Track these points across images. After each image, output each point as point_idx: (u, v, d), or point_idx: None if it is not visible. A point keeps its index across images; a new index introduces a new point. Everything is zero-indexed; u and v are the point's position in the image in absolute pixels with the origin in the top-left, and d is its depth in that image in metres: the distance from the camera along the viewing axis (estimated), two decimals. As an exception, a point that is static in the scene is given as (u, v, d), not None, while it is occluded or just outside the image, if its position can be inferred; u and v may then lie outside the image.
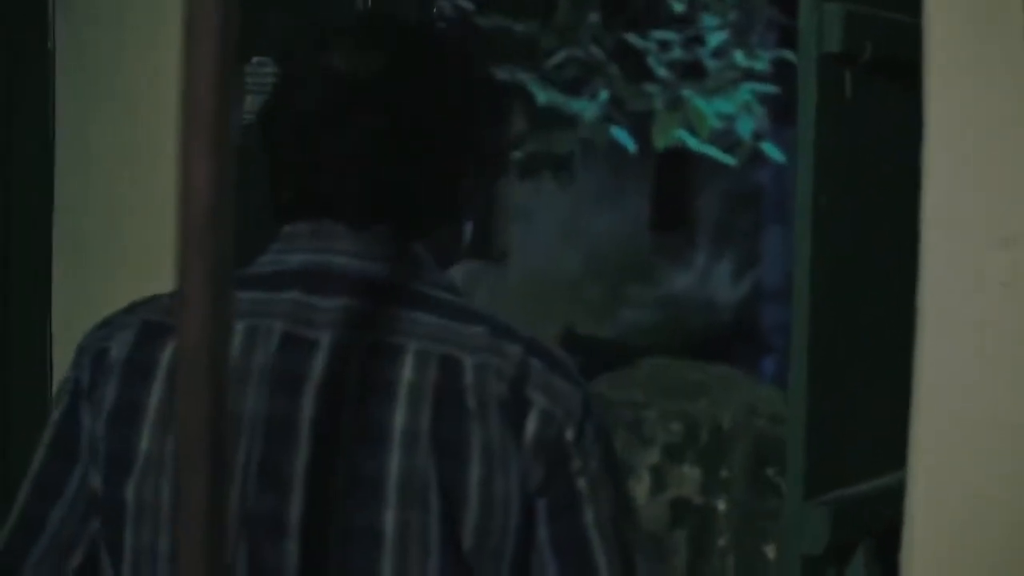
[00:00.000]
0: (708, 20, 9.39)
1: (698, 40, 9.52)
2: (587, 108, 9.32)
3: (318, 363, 1.51)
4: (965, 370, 2.08)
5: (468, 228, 1.69)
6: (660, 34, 9.47)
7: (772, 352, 13.13)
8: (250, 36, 2.77)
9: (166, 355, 1.54)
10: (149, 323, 1.57)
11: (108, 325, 1.60)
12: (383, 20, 1.63)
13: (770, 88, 9.54)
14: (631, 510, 1.60)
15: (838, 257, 2.18)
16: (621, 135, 9.41)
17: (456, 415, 1.49)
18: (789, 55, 9.27)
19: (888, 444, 2.20)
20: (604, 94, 9.34)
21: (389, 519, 1.48)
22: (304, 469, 1.49)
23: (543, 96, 9.07)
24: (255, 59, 2.73)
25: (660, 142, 9.47)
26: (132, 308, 1.61)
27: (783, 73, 9.33)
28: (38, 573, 1.57)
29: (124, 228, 2.72)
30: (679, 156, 11.43)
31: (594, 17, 9.22)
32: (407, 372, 1.49)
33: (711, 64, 9.46)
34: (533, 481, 1.52)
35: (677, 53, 9.47)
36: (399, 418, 1.49)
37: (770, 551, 5.56)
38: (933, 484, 2.13)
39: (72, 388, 1.59)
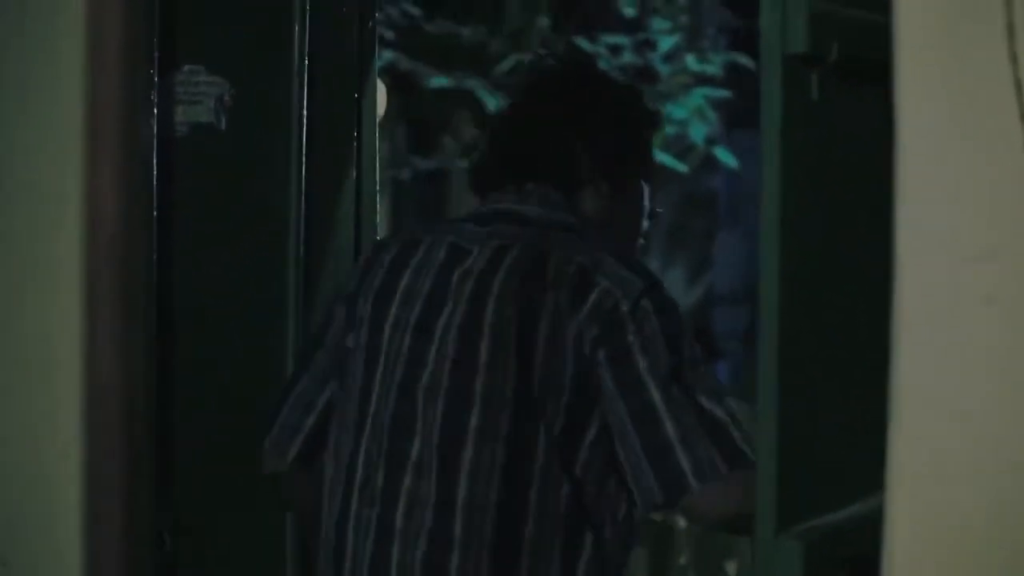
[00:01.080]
0: (659, 23, 9.29)
1: (649, 44, 9.41)
2: (538, 114, 9.12)
3: (467, 259, 2.21)
4: (945, 390, 1.95)
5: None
6: (610, 38, 9.38)
7: (724, 357, 13.03)
8: (182, 42, 2.63)
9: (377, 263, 2.27)
10: (406, 238, 2.31)
11: (375, 244, 2.46)
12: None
13: (723, 93, 9.44)
14: (700, 372, 2.18)
15: (807, 269, 2.05)
16: (572, 141, 9.22)
17: (537, 286, 2.15)
18: (741, 59, 9.20)
19: (864, 467, 2.07)
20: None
21: (483, 353, 2.16)
22: (442, 323, 2.18)
23: (493, 102, 8.94)
24: (186, 67, 2.59)
25: (612, 147, 9.31)
26: (393, 234, 2.41)
27: (735, 77, 9.24)
28: (287, 420, 2.33)
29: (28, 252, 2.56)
30: (631, 161, 11.25)
31: (543, 21, 9.11)
32: (511, 258, 2.18)
33: (662, 68, 9.36)
34: (588, 338, 2.13)
35: (628, 57, 9.37)
36: (497, 286, 2.16)
37: (731, 568, 5.46)
38: (914, 511, 1.99)
39: (333, 295, 2.42)
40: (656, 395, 2.14)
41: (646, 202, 2.45)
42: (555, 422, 2.15)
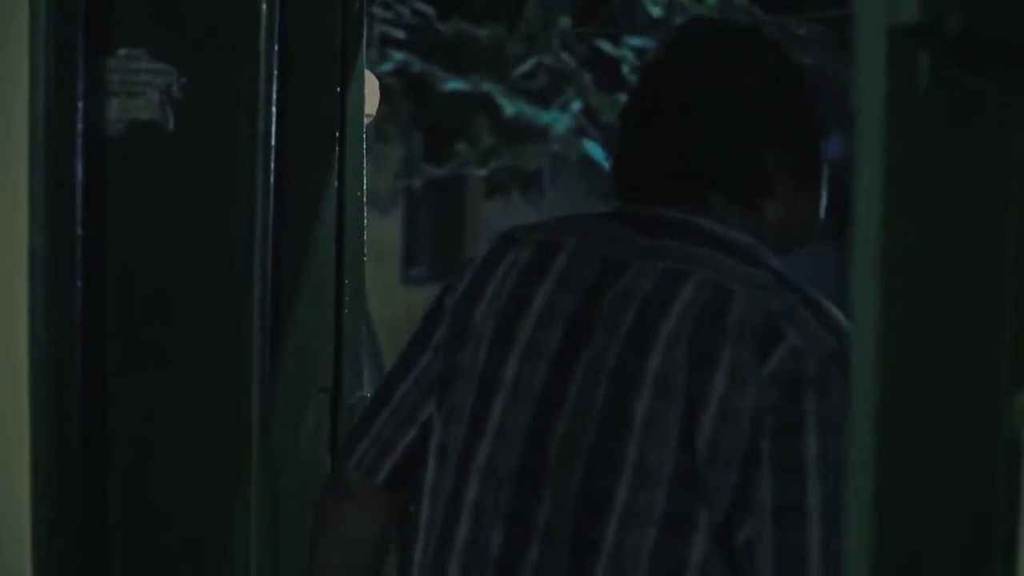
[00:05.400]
0: (687, 24, 8.96)
1: (676, 46, 9.08)
2: (558, 120, 9.09)
3: (623, 279, 1.86)
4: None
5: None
6: (636, 41, 9.14)
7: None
8: (118, 20, 2.21)
9: (504, 262, 1.92)
10: (544, 236, 1.94)
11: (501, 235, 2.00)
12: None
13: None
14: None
15: (912, 303, 1.64)
16: (594, 149, 9.19)
17: (715, 331, 1.78)
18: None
19: (980, 562, 1.67)
20: (576, 105, 9.08)
21: (640, 408, 1.78)
22: (588, 360, 1.83)
23: (511, 107, 8.85)
24: (123, 51, 2.15)
25: (636, 156, 9.08)
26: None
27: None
28: (381, 433, 1.97)
29: None
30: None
31: (564, 22, 8.92)
32: (686, 292, 1.81)
33: (691, 72, 9.02)
34: (765, 403, 1.76)
35: (654, 60, 9.05)
36: (666, 326, 1.80)
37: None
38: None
39: (440, 292, 1.99)
40: (814, 492, 1.76)
41: (824, 189, 2.03)
42: (719, 504, 1.78)
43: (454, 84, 8.80)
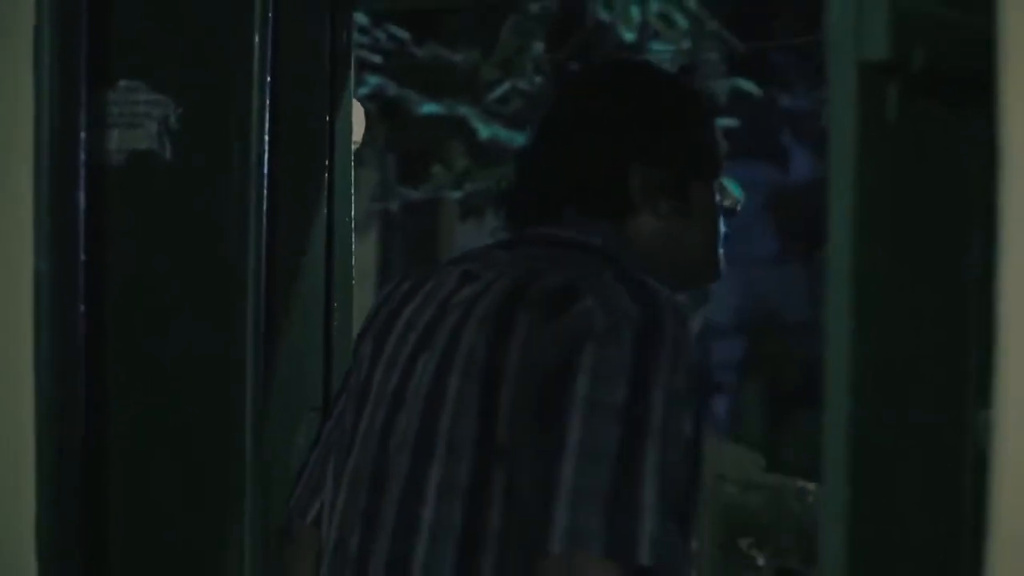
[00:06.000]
0: (659, 48, 8.96)
1: (649, 70, 9.08)
2: (532, 143, 8.91)
3: (470, 286, 1.91)
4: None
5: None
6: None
7: (721, 391, 12.90)
8: (118, 54, 2.24)
9: (392, 296, 2.01)
10: (431, 269, 2.01)
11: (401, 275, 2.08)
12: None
13: (726, 121, 9.08)
14: (672, 446, 1.74)
15: (884, 323, 1.70)
16: (568, 171, 9.01)
17: (515, 304, 1.83)
18: (746, 84, 8.90)
19: (950, 563, 1.76)
20: None
21: (452, 387, 1.84)
22: (423, 360, 1.89)
23: (485, 131, 8.76)
24: (122, 83, 2.20)
25: (610, 178, 9.04)
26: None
27: (739, 104, 8.93)
28: (312, 474, 2.06)
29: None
30: (630, 193, 11.02)
31: (538, 47, 8.84)
32: (503, 281, 1.89)
33: (663, 95, 9.01)
34: (551, 359, 1.77)
35: (627, 84, 9.04)
36: (478, 311, 1.86)
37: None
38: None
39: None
40: (575, 426, 1.74)
41: (719, 201, 2.08)
42: (518, 469, 1.79)
43: (429, 108, 8.78)
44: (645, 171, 2.00)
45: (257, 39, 2.35)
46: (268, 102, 2.37)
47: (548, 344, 1.79)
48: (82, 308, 2.13)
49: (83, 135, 2.13)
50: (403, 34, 8.63)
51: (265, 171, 2.37)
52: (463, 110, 8.74)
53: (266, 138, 2.37)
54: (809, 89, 9.62)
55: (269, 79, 2.37)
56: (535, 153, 2.07)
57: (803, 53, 9.19)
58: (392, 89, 8.70)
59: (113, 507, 2.35)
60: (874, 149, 1.67)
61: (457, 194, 9.08)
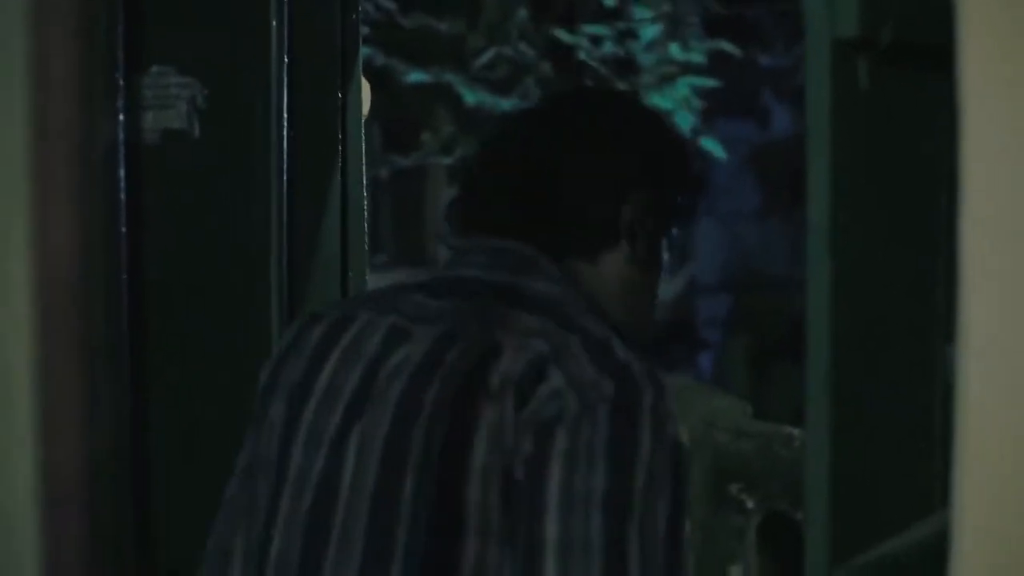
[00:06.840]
0: (640, 12, 9.09)
1: (631, 34, 9.21)
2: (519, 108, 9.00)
3: (403, 348, 1.70)
4: (1018, 402, 1.73)
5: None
6: (591, 28, 9.17)
7: (708, 348, 12.97)
8: (150, 41, 2.40)
9: (301, 343, 1.78)
10: (342, 312, 1.80)
11: (306, 317, 1.86)
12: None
13: (709, 81, 9.23)
14: (658, 534, 1.60)
15: (859, 278, 1.84)
16: (554, 135, 9.08)
17: (476, 395, 1.61)
18: (726, 46, 9.02)
19: (924, 489, 1.87)
20: (536, 93, 9.02)
21: (408, 490, 1.61)
22: (358, 441, 1.67)
23: (472, 97, 8.83)
24: (154, 68, 2.36)
25: (595, 141, 9.13)
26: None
27: (721, 65, 9.06)
28: (221, 535, 1.80)
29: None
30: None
31: (522, 13, 8.95)
32: (451, 356, 1.65)
33: (645, 59, 9.15)
34: (521, 453, 1.58)
35: (609, 48, 9.17)
36: (429, 396, 1.64)
37: (735, 572, 5.26)
38: (982, 543, 1.76)
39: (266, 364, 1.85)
40: (552, 520, 1.57)
41: (664, 252, 1.94)
42: None
43: (417, 76, 8.87)
44: (641, 202, 1.85)
45: (274, 23, 2.49)
46: (286, 80, 2.51)
47: (516, 435, 1.59)
48: (124, 276, 2.30)
49: (121, 117, 2.30)
50: (389, 5, 8.69)
51: (284, 144, 2.51)
52: (450, 78, 8.82)
53: (284, 114, 2.51)
54: (787, 48, 9.75)
55: (286, 60, 2.51)
56: (497, 166, 1.87)
57: (781, 14, 9.31)
58: (380, 59, 8.78)
59: (152, 474, 2.48)
60: (847, 115, 1.84)
61: (446, 160, 9.16)
